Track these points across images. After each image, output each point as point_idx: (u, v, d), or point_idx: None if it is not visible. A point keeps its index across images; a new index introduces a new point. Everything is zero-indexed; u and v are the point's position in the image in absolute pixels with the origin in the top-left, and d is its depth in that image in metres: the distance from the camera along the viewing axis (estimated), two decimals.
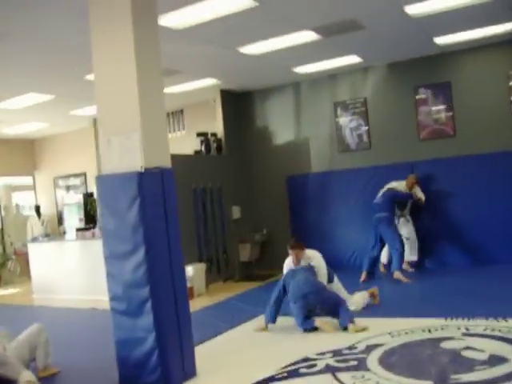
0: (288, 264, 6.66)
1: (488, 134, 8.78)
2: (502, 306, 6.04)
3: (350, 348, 5.23)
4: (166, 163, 4.90)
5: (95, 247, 9.22)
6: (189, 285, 8.42)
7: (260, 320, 6.43)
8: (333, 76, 9.86)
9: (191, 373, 4.86)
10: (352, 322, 5.79)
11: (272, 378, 4.65)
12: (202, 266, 8.94)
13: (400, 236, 8.54)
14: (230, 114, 10.48)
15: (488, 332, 5.26)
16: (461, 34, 8.19)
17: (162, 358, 4.62)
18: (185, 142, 10.78)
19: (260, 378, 4.64)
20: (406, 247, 8.73)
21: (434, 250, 9.05)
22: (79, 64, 7.58)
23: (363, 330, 5.69)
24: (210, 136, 10.04)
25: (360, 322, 5.85)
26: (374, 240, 8.61)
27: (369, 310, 6.57)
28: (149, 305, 4.60)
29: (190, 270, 8.68)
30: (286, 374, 4.73)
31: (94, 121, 11.89)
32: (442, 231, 9.01)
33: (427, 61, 9.20)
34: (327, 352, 5.16)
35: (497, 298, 6.55)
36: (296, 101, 10.29)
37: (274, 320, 6.17)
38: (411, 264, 8.86)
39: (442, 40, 8.38)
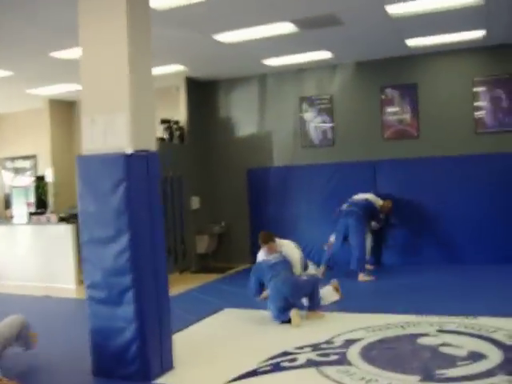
0: (261, 256, 6.55)
1: (451, 137, 8.94)
2: (472, 305, 6.16)
3: (327, 342, 5.22)
4: (152, 147, 4.71)
5: (49, 232, 8.93)
6: None
7: None
8: (300, 71, 9.81)
9: (169, 366, 4.70)
10: (317, 308, 6.07)
11: (255, 372, 4.57)
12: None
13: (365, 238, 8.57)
14: (193, 103, 10.27)
15: (461, 329, 5.35)
16: (432, 38, 8.27)
17: (142, 349, 4.45)
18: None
19: (241, 371, 4.54)
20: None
21: (401, 248, 9.12)
22: (46, 39, 7.24)
23: (321, 317, 6.00)
24: (172, 124, 9.80)
25: (331, 315, 6.06)
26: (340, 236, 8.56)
27: (338, 305, 6.56)
28: (130, 294, 4.41)
29: None
30: (268, 368, 4.65)
31: (50, 101, 11.46)
32: (406, 229, 9.09)
33: (395, 62, 9.27)
34: (305, 346, 5.13)
35: (466, 296, 6.70)
36: (261, 93, 10.19)
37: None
38: (369, 262, 8.88)
39: (413, 42, 8.45)
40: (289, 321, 5.85)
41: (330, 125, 9.71)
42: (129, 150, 4.38)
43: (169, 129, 9.62)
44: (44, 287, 8.81)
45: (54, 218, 9.04)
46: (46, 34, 7.05)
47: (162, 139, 9.47)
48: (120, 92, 4.46)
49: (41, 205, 11.01)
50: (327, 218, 9.10)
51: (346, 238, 8.55)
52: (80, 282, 8.86)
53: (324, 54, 8.98)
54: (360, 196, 8.75)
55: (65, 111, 11.83)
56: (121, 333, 4.48)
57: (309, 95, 9.84)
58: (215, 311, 6.66)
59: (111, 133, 4.47)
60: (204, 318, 6.41)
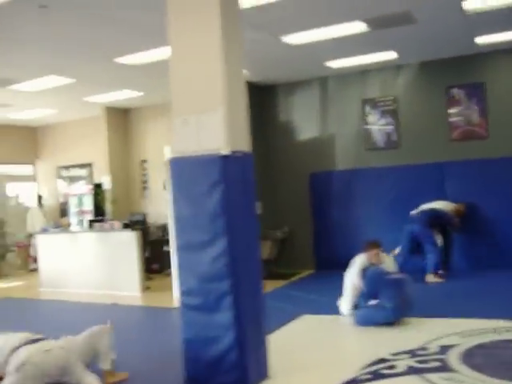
0: (362, 263, 6.28)
1: None
2: None
3: (422, 349, 5.00)
4: (245, 147, 4.55)
5: (113, 239, 8.86)
6: None
7: None
8: (363, 72, 9.60)
9: (264, 375, 4.52)
10: None
11: (355, 381, 4.37)
12: None
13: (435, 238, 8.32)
14: (254, 107, 10.09)
15: None
16: (503, 35, 8.00)
17: (240, 357, 4.27)
18: None
19: (340, 380, 4.35)
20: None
21: (469, 252, 8.80)
22: (112, 44, 7.21)
23: None
24: None
25: (416, 320, 5.90)
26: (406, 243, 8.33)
27: (419, 309, 6.31)
28: (228, 300, 4.25)
29: None
30: (369, 376, 4.45)
31: (107, 109, 11.47)
32: (474, 232, 8.78)
33: (462, 60, 9.00)
34: (401, 352, 4.92)
35: None
36: (322, 96, 10.01)
37: None
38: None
39: (482, 40, 8.18)
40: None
41: (394, 126, 9.45)
42: (225, 151, 4.23)
43: None
44: (108, 295, 8.73)
45: (117, 224, 8.98)
46: (113, 38, 7.01)
47: None
48: (214, 91, 4.32)
49: (99, 212, 11.01)
50: (393, 222, 8.85)
51: (412, 249, 8.32)
52: (145, 288, 8.81)
53: (389, 55, 8.77)
54: (426, 206, 8.49)
55: (121, 118, 11.84)
56: (217, 340, 4.31)
57: (372, 97, 9.62)
58: (293, 318, 6.48)
59: (205, 133, 4.33)
60: (283, 324, 6.23)
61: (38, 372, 4.06)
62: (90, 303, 8.34)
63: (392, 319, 5.76)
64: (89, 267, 9.31)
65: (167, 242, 10.12)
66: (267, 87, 10.35)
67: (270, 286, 8.67)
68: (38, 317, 7.65)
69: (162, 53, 7.58)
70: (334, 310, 6.38)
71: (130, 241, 8.82)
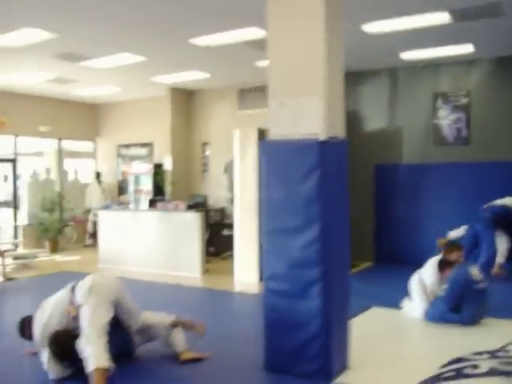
0: (431, 264, 6.14)
1: None
2: None
3: (503, 350, 4.89)
4: (341, 133, 4.46)
5: (176, 220, 8.87)
6: None
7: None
8: (435, 66, 9.38)
9: (345, 365, 4.45)
10: None
11: (438, 378, 4.27)
12: None
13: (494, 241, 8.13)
14: None
15: None
16: None
17: (326, 346, 4.21)
18: (266, 120, 10.31)
19: (421, 376, 4.25)
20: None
21: None
22: (190, 24, 7.19)
23: None
24: None
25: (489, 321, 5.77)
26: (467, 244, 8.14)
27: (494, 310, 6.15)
28: (317, 287, 4.18)
29: None
30: (452, 374, 4.35)
31: (171, 89, 11.47)
32: None
33: None
34: (481, 353, 4.80)
35: None
36: (391, 88, 9.82)
37: None
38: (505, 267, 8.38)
39: None
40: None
41: (466, 122, 9.21)
42: (323, 137, 4.15)
43: None
44: (167, 275, 8.76)
45: (182, 205, 8.98)
46: (190, 19, 6.97)
47: None
48: (314, 74, 4.23)
49: (158, 192, 11.05)
50: (458, 220, 8.65)
51: (471, 248, 8.15)
52: (205, 271, 8.82)
53: (466, 48, 8.52)
54: (499, 201, 8.27)
55: (184, 100, 11.84)
56: (303, 328, 4.26)
57: (443, 91, 9.39)
58: (363, 310, 6.39)
59: (302, 117, 4.25)
60: (354, 316, 6.11)
61: (105, 290, 4.23)
62: (152, 282, 8.37)
63: (467, 323, 5.63)
64: (149, 246, 9.35)
65: (227, 226, 10.15)
66: None
67: None
68: None
69: (235, 35, 7.55)
70: (399, 304, 6.37)
71: (193, 222, 8.82)
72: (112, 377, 3.85)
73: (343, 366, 4.41)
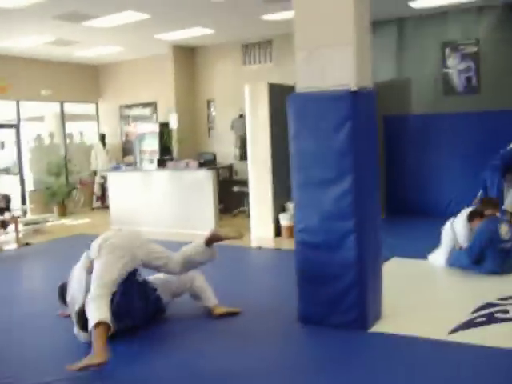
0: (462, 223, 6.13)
1: None
2: None
3: None
4: (370, 83, 4.42)
5: (187, 178, 8.85)
6: (291, 223, 8.08)
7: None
8: (444, 14, 9.23)
9: (378, 315, 4.50)
10: None
11: (471, 323, 4.35)
12: None
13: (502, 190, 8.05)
14: None
15: None
16: None
17: (361, 296, 4.25)
18: (272, 74, 10.23)
19: (454, 322, 4.33)
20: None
21: None
22: None
23: None
24: None
25: None
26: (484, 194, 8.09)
27: None
28: (351, 238, 4.19)
29: (293, 207, 8.27)
30: (484, 319, 4.42)
31: (174, 47, 11.30)
32: None
33: None
34: (507, 298, 4.88)
35: None
36: (399, 38, 9.69)
37: None
38: None
39: None
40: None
41: (475, 71, 9.13)
42: (354, 87, 4.10)
43: None
44: (182, 233, 8.74)
45: (193, 163, 8.94)
46: None
47: None
48: (343, 23, 4.16)
49: (165, 152, 11.00)
50: (469, 170, 8.68)
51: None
52: (221, 228, 8.82)
53: None
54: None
55: (187, 57, 11.66)
56: (337, 279, 4.28)
57: (452, 40, 9.27)
58: (384, 260, 6.37)
59: (332, 68, 4.19)
60: None
61: (117, 246, 4.16)
62: (168, 241, 8.35)
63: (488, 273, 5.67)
64: (161, 206, 9.34)
65: (236, 183, 10.14)
66: None
67: None
68: None
69: None
70: (417, 254, 6.41)
71: (205, 180, 8.80)
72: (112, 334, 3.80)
73: (377, 316, 4.46)
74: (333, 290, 4.31)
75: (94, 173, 12.73)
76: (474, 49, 9.13)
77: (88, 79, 13.13)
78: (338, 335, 4.19)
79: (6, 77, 11.16)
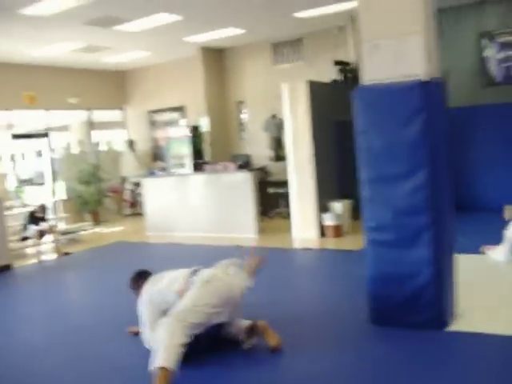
0: None
1: None
2: None
3: None
4: (437, 73, 4.25)
5: (225, 181, 8.73)
6: (336, 222, 7.95)
7: None
8: (481, 4, 9.04)
9: (453, 313, 4.31)
10: None
11: None
12: (348, 204, 8.34)
13: None
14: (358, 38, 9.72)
15: None
16: None
17: (438, 295, 4.07)
18: (304, 73, 10.08)
19: None
20: None
21: None
22: None
23: None
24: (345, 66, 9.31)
25: None
26: None
27: None
28: (428, 234, 4.02)
29: (338, 206, 8.13)
30: None
31: (202, 49, 11.20)
32: None
33: None
34: None
35: None
36: (435, 30, 9.48)
37: None
38: None
39: None
40: None
41: None
42: (426, 77, 3.94)
43: (343, 71, 9.12)
44: (222, 237, 8.62)
45: (232, 166, 8.80)
46: None
47: (335, 81, 9.03)
48: (412, 11, 4.00)
49: (198, 155, 10.87)
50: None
51: None
52: (261, 231, 8.70)
53: None
54: None
55: (216, 59, 11.57)
56: (413, 277, 4.11)
57: (489, 30, 9.07)
58: None
59: (401, 59, 4.03)
60: None
61: (219, 290, 3.84)
62: (211, 246, 8.26)
63: None
64: (199, 210, 9.21)
65: (271, 184, 10.01)
66: None
67: None
68: (166, 259, 7.60)
69: None
70: (470, 250, 6.21)
71: (245, 182, 8.65)
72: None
73: (452, 314, 4.28)
74: (408, 289, 4.14)
75: (124, 179, 12.63)
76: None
77: (114, 85, 13.07)
78: (414, 336, 4.02)
79: (34, 87, 11.11)
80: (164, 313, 3.85)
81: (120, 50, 10.78)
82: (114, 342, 4.46)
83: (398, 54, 4.04)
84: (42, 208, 8.93)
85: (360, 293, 5.13)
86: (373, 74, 4.17)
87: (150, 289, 4.14)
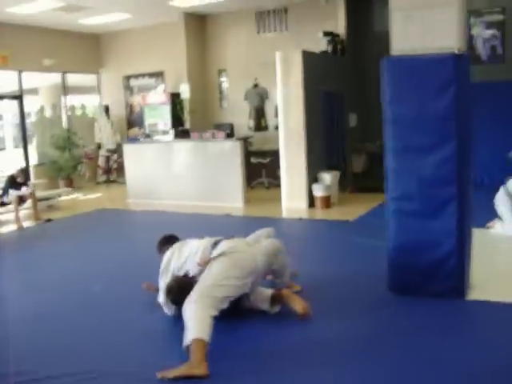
0: None
1: None
2: None
3: None
4: (463, 47, 4.28)
5: (212, 149, 8.66)
6: (326, 193, 8.01)
7: None
8: None
9: (469, 283, 4.42)
10: None
11: None
12: (337, 174, 8.40)
13: None
14: (351, 15, 9.73)
15: None
16: None
17: (459, 264, 4.16)
18: (288, 43, 10.02)
19: None
20: None
21: None
22: None
23: None
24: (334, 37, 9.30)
25: None
26: None
27: None
28: (452, 206, 4.09)
29: (327, 177, 8.18)
30: None
31: (185, 14, 10.96)
32: None
33: None
34: None
35: None
36: None
37: None
38: None
39: None
40: None
41: (501, 40, 9.07)
42: (458, 50, 3.97)
43: (332, 42, 9.10)
44: (208, 206, 8.56)
45: (221, 134, 8.70)
46: None
47: (325, 52, 9.01)
48: None
49: (178, 123, 10.75)
50: (493, 142, 8.64)
51: None
52: (247, 200, 8.68)
53: None
54: None
55: (198, 25, 11.34)
56: (436, 247, 4.18)
57: (477, 8, 9.17)
58: None
59: (433, 30, 4.06)
60: None
61: (240, 261, 3.83)
62: (199, 214, 8.19)
63: None
64: (183, 178, 9.10)
65: (252, 154, 9.98)
66: None
67: (373, 199, 8.54)
68: (154, 227, 7.46)
69: None
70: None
71: (233, 151, 8.59)
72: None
73: (468, 284, 4.39)
74: (430, 259, 4.21)
75: (99, 146, 12.37)
76: (499, 17, 9.05)
77: (90, 49, 12.66)
78: (435, 304, 4.10)
79: (8, 46, 10.69)
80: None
81: (100, 11, 10.42)
82: (129, 307, 4.42)
83: (430, 26, 4.06)
84: (23, 172, 8.65)
85: (369, 261, 5.26)
86: (403, 44, 4.19)
87: (169, 256, 4.12)
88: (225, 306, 3.64)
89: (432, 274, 4.24)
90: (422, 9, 4.07)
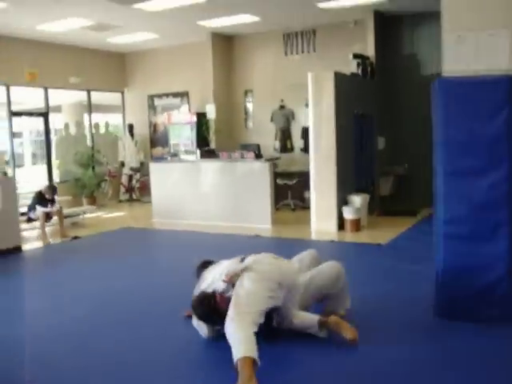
0: None
1: None
2: None
3: None
4: None
5: (241, 169, 8.64)
6: (356, 216, 7.93)
7: None
8: None
9: None
10: None
11: None
12: (366, 197, 8.33)
13: None
14: (379, 38, 9.73)
15: None
16: None
17: (511, 290, 4.07)
18: (316, 65, 10.03)
19: None
20: None
21: None
22: None
23: None
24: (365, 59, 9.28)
25: None
26: None
27: None
28: (505, 229, 4.02)
29: (357, 200, 8.11)
30: None
31: (212, 35, 11.01)
32: None
33: None
34: None
35: None
36: None
37: None
38: None
39: None
40: None
41: None
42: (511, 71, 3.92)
43: (362, 64, 9.09)
44: (235, 227, 8.50)
45: (250, 154, 8.66)
46: None
47: (355, 74, 8.99)
48: (499, 5, 3.97)
49: (203, 142, 10.75)
50: None
51: None
52: (274, 221, 8.62)
53: None
54: None
55: (225, 46, 11.37)
56: (487, 271, 4.10)
57: None
58: None
59: (486, 52, 4.01)
60: None
61: (268, 273, 3.77)
62: (227, 234, 8.14)
63: None
64: (210, 198, 9.05)
65: (278, 176, 9.93)
66: (393, 17, 9.85)
67: (404, 223, 8.48)
68: (182, 246, 7.45)
69: None
70: None
71: (262, 171, 8.54)
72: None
73: None
74: (480, 283, 4.13)
75: (122, 164, 12.38)
76: None
77: (116, 68, 12.72)
78: (485, 330, 4.00)
79: (36, 63, 10.78)
80: None
81: (129, 30, 10.48)
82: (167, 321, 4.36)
83: (483, 47, 4.02)
84: (51, 189, 8.66)
85: (409, 285, 5.18)
86: (455, 66, 4.15)
87: (200, 282, 4.14)
88: (262, 320, 3.60)
89: (482, 298, 4.15)
90: (475, 30, 4.03)
